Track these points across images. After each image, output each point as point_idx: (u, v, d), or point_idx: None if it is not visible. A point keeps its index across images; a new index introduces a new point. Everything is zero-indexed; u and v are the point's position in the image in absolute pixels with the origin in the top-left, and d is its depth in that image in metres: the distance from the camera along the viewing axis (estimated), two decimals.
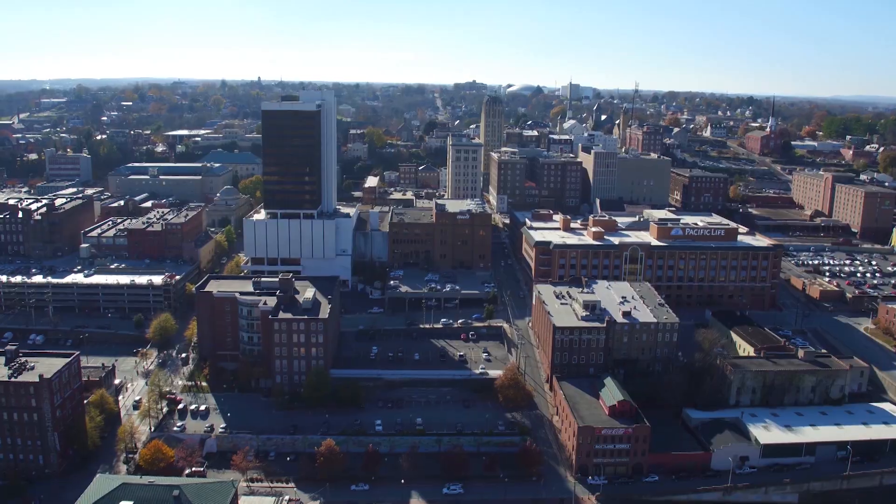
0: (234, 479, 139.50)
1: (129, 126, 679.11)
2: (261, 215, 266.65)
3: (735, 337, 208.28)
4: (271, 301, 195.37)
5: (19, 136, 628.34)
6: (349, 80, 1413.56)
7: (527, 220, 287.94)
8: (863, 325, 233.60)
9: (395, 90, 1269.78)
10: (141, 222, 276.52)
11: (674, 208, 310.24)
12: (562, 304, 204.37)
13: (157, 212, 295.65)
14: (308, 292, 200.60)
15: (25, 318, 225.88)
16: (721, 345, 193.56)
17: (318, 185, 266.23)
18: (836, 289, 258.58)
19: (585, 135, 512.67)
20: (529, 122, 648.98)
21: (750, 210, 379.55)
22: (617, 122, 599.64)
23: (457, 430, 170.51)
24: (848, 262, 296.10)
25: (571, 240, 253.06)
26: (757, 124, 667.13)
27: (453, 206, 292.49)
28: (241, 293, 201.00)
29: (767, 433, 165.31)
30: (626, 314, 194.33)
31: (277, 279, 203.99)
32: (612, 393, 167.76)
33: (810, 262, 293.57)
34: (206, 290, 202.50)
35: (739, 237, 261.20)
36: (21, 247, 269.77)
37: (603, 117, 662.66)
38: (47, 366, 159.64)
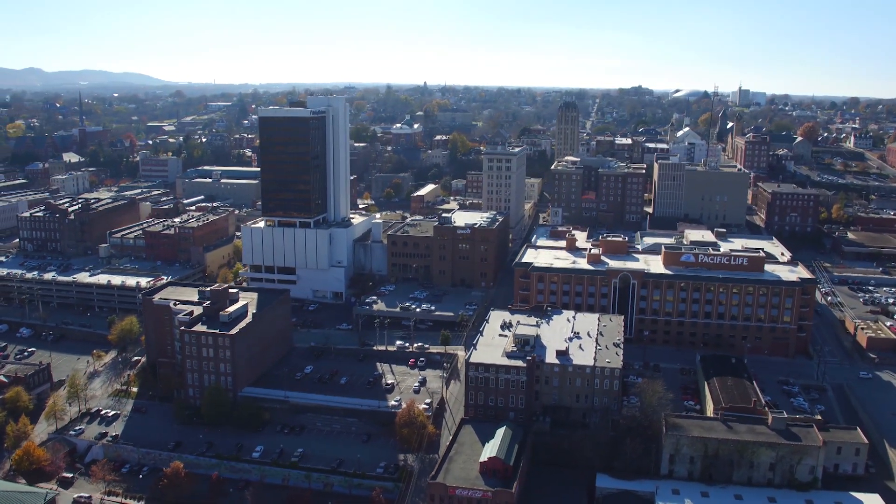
0: (49, 490, 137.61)
1: None
2: (261, 223, 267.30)
3: (706, 390, 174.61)
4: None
5: (165, 136, 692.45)
6: (514, 85, 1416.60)
7: (534, 236, 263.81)
8: None
9: (556, 94, 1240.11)
10: (161, 226, 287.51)
11: (723, 230, 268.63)
12: (500, 335, 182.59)
13: (188, 215, 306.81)
14: (239, 305, 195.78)
15: (23, 311, 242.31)
16: (660, 399, 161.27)
17: (317, 193, 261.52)
18: (893, 336, 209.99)
19: (686, 144, 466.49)
20: (641, 129, 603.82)
21: (848, 234, 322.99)
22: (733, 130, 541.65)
23: (332, 468, 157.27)
24: None
25: (562, 262, 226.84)
26: None
27: (462, 219, 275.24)
28: (181, 301, 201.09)
29: None
30: (561, 353, 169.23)
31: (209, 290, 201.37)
32: (490, 446, 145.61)
33: (882, 301, 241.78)
34: (150, 296, 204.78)
35: (772, 267, 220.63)
36: (58, 244, 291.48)
37: (729, 125, 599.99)
38: None
